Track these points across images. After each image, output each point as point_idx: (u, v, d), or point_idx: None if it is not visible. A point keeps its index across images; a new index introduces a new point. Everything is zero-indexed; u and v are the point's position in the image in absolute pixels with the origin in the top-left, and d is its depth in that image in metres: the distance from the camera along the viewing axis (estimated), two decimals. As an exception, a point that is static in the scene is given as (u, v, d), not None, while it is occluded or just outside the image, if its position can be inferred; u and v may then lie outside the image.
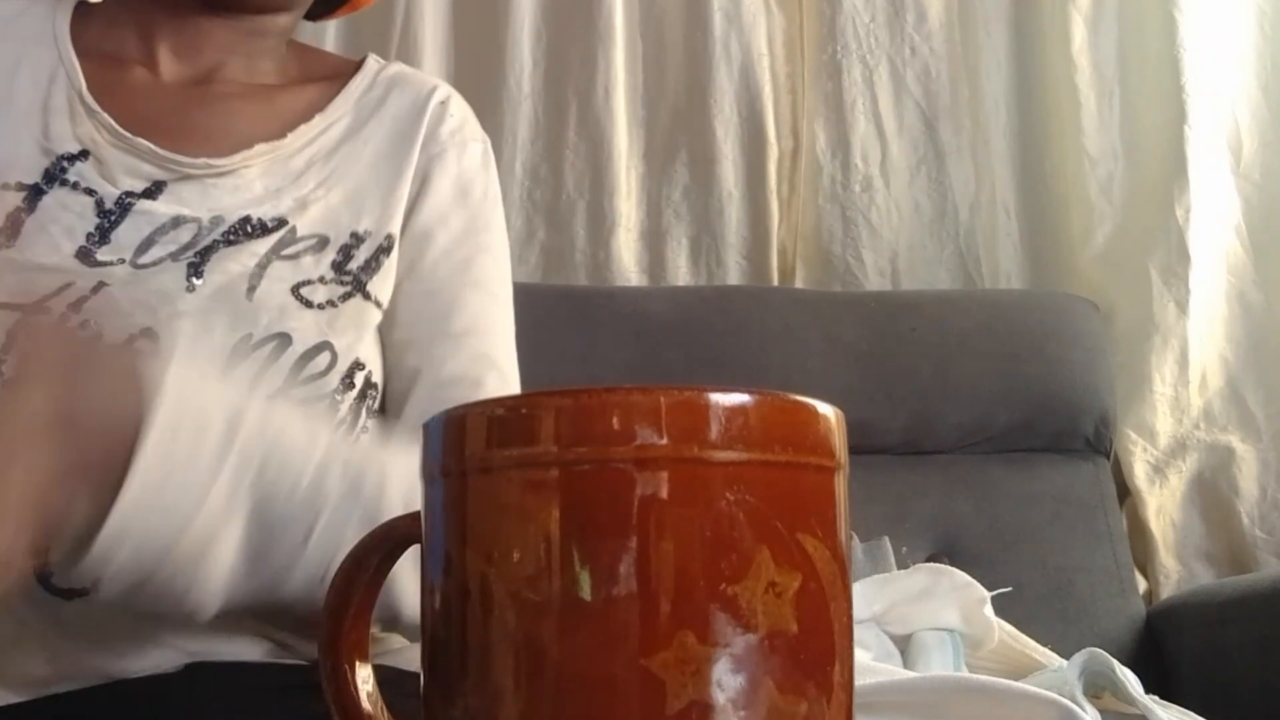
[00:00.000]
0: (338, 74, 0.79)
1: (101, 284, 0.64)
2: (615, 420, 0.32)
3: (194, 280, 0.66)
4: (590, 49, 1.49)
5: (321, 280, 0.70)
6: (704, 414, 0.32)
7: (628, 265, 1.49)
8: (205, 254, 0.67)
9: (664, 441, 0.32)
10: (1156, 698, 0.79)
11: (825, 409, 0.35)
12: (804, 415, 0.34)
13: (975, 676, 0.59)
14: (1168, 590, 1.40)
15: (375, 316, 0.72)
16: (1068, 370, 1.35)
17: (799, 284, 1.52)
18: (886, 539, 1.16)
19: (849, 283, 1.51)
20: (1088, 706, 0.68)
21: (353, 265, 0.71)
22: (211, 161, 0.70)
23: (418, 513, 0.37)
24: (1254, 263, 1.45)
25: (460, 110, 0.80)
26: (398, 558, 0.40)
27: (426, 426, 0.36)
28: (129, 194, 0.67)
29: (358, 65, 0.80)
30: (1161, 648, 1.26)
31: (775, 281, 1.52)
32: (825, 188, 1.52)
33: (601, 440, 0.32)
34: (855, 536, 1.16)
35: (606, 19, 1.49)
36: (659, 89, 1.53)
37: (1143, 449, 1.42)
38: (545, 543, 0.32)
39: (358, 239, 0.72)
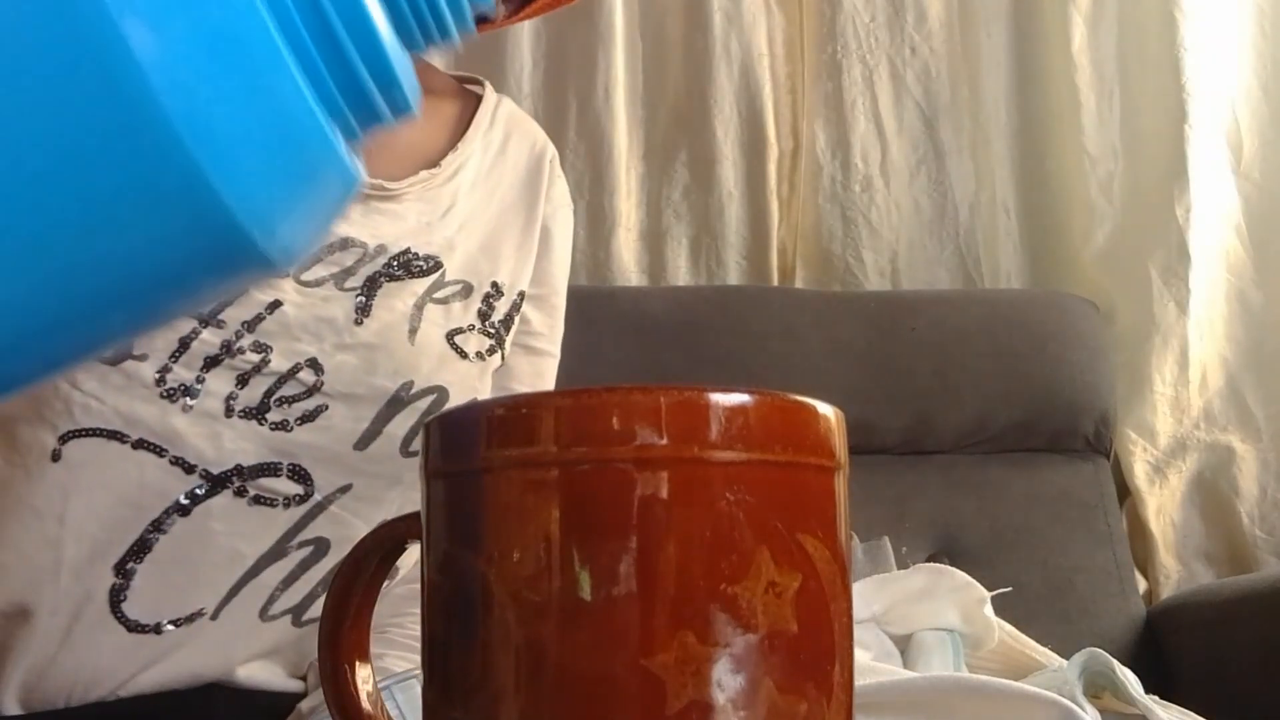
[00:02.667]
0: (453, 93, 0.78)
1: (276, 303, 0.62)
2: (615, 420, 0.32)
3: (361, 315, 0.64)
4: (590, 49, 1.49)
5: (471, 329, 0.69)
6: (704, 414, 0.32)
7: (628, 265, 1.49)
8: (370, 287, 0.65)
9: (664, 441, 0.32)
10: (1156, 698, 0.79)
11: (825, 409, 0.35)
12: (804, 415, 0.34)
13: (975, 676, 0.59)
14: (1168, 590, 1.40)
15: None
16: (1068, 370, 1.35)
17: (799, 284, 1.52)
18: (886, 539, 1.16)
19: (849, 283, 1.51)
20: (1088, 706, 0.67)
21: (495, 318, 0.71)
22: (385, 185, 0.68)
23: (417, 513, 0.37)
24: (1254, 263, 1.45)
25: (561, 171, 0.81)
26: (398, 557, 0.39)
27: (427, 426, 0.36)
28: None
29: (472, 90, 0.79)
30: (1161, 648, 1.25)
31: (775, 281, 1.51)
32: (825, 188, 1.52)
33: (601, 440, 0.32)
34: (855, 536, 1.16)
35: (606, 19, 1.49)
36: (659, 89, 1.53)
37: (1143, 449, 1.42)
38: (545, 543, 0.32)
39: (498, 290, 0.71)
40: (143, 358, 0.60)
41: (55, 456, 0.59)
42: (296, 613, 0.64)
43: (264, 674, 0.65)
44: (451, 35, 0.32)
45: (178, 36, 0.25)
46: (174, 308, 0.32)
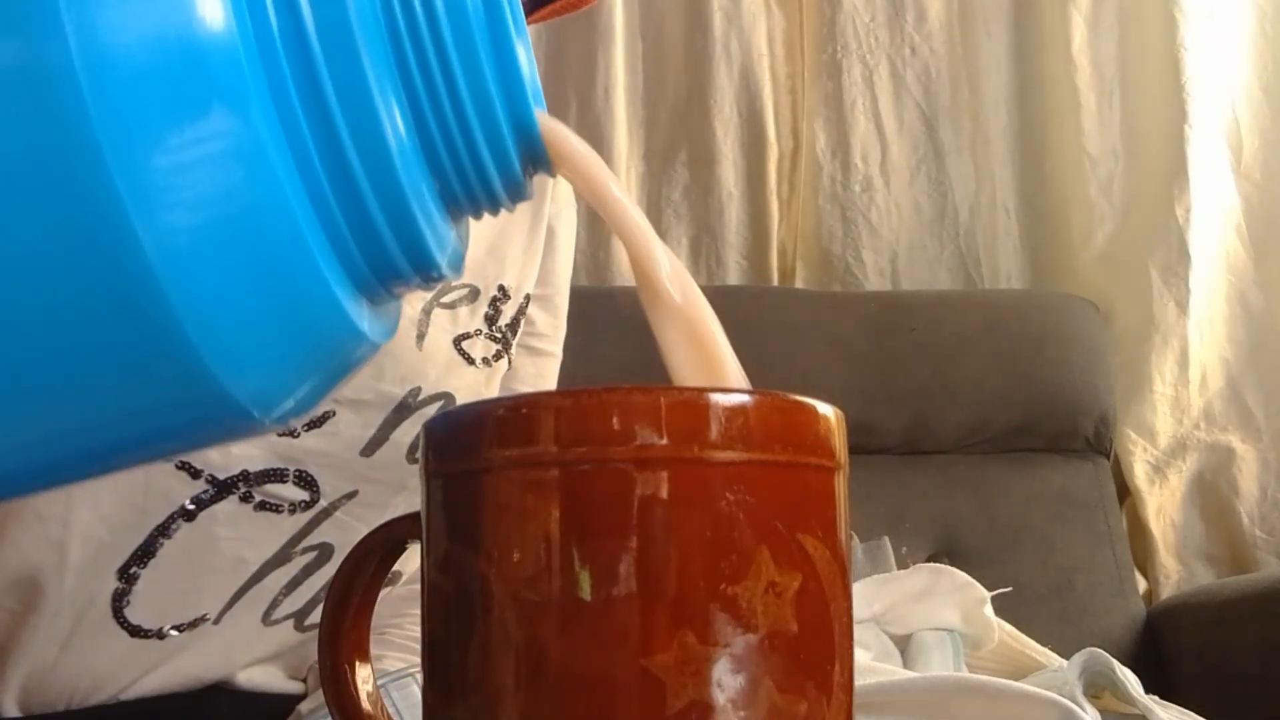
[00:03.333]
0: None
1: None
2: (615, 420, 0.32)
3: None
4: (590, 49, 1.49)
5: (478, 333, 0.68)
6: (704, 414, 0.32)
7: (628, 265, 1.49)
8: None
9: (664, 441, 0.32)
10: (1156, 698, 0.79)
11: (825, 409, 0.35)
12: (804, 415, 0.34)
13: (975, 676, 0.59)
14: (1168, 590, 1.40)
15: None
16: (1068, 370, 1.35)
17: (799, 284, 1.52)
18: (886, 539, 1.16)
19: (849, 283, 1.51)
20: (1088, 706, 0.67)
21: (501, 322, 0.70)
22: None
23: (417, 513, 0.37)
24: (1254, 263, 1.45)
25: None
26: (398, 557, 0.39)
27: (426, 427, 0.36)
28: None
29: None
30: (1161, 648, 1.26)
31: (775, 281, 1.52)
32: (825, 188, 1.52)
33: (601, 440, 0.32)
34: (855, 536, 1.16)
35: (606, 19, 1.49)
36: (659, 89, 1.53)
37: (1143, 449, 1.42)
38: (545, 543, 0.32)
39: (505, 293, 0.70)
40: None
41: None
42: (299, 617, 0.64)
43: (265, 677, 0.65)
44: (503, 206, 0.31)
45: (190, 223, 0.23)
46: (166, 456, 0.32)
